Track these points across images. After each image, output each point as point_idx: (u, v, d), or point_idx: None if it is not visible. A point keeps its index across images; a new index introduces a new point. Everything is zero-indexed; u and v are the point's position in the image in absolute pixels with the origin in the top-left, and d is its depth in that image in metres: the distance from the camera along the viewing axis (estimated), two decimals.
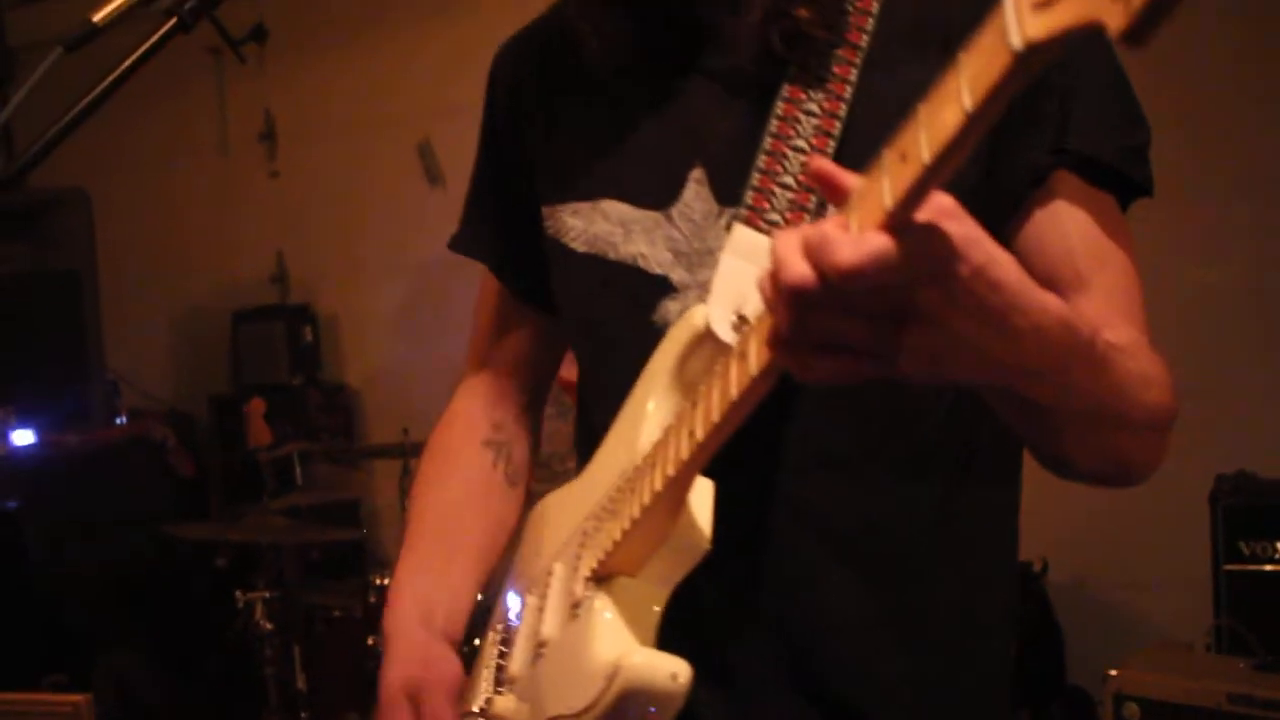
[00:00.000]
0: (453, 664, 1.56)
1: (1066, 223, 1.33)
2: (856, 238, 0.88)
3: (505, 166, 1.68)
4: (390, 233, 6.39)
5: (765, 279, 0.96)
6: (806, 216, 1.34)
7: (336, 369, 6.64)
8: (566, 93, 1.60)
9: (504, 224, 1.68)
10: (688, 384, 1.40)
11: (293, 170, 6.57)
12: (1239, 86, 4.41)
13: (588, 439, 1.58)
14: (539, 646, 1.45)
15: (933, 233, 0.89)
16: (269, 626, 4.57)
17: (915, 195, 0.87)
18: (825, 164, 0.97)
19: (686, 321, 1.40)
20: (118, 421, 5.90)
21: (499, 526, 1.73)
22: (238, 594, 4.68)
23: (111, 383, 5.91)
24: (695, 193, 1.46)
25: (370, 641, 4.50)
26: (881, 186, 0.89)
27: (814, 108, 1.36)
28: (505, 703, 1.49)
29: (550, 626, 1.44)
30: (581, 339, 1.64)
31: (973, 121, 0.81)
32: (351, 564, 6.03)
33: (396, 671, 1.54)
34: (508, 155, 1.67)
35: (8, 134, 4.53)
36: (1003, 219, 1.32)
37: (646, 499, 1.27)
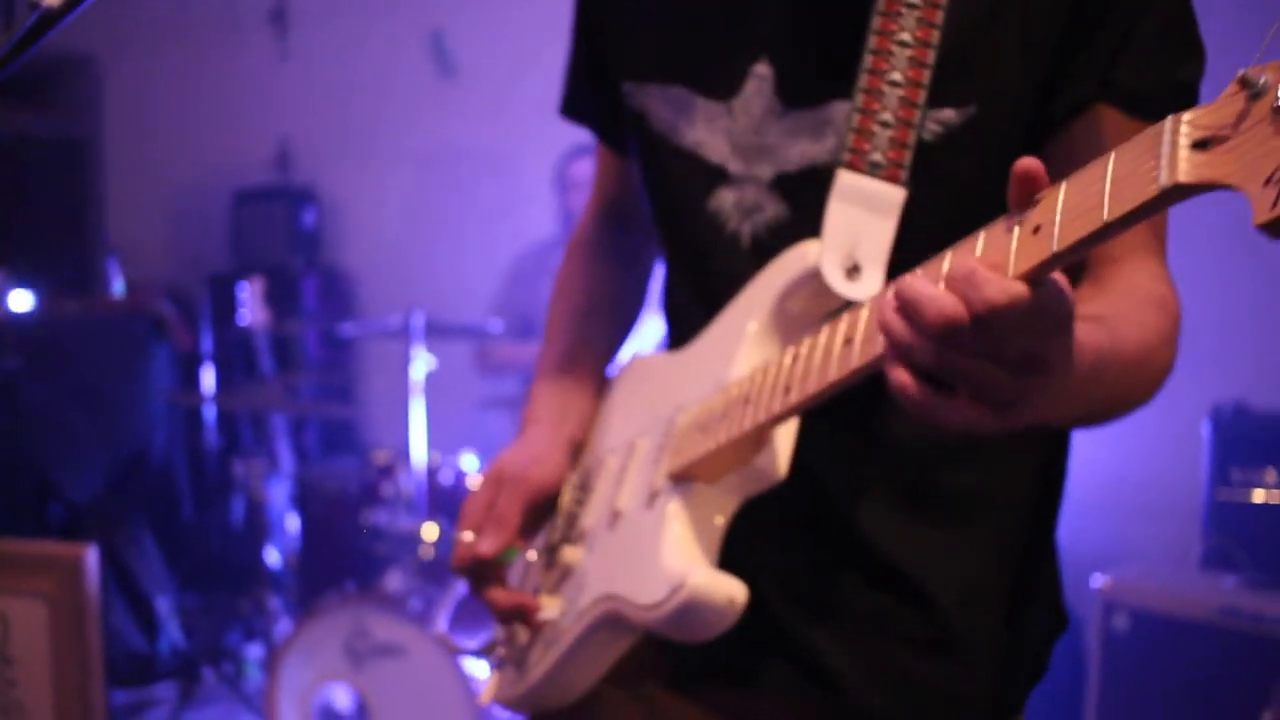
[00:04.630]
0: (548, 472, 1.65)
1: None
2: (1001, 278, 0.93)
3: (595, 25, 1.68)
4: (398, 120, 6.36)
5: (890, 313, 0.99)
6: (906, 153, 1.33)
7: (337, 252, 6.64)
8: None
9: (600, 85, 1.67)
10: (789, 319, 1.42)
11: (302, 52, 6.52)
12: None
13: (674, 310, 1.65)
14: (614, 515, 1.53)
15: (1060, 290, 0.95)
16: (265, 497, 4.62)
17: (1041, 270, 0.94)
18: (1033, 164, 0.98)
19: (799, 255, 1.40)
20: (116, 293, 5.88)
21: (622, 330, 1.87)
22: (237, 465, 4.72)
23: (111, 254, 5.89)
24: (757, 87, 1.45)
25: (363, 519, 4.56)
26: (1009, 247, 0.96)
27: (907, 37, 1.33)
28: (575, 554, 1.58)
29: (626, 501, 1.51)
30: (654, 211, 1.65)
31: (1108, 228, 0.89)
32: (344, 444, 6.08)
33: (506, 457, 1.65)
34: (594, 14, 1.67)
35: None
36: (1044, 141, 1.33)
37: (734, 433, 1.33)
